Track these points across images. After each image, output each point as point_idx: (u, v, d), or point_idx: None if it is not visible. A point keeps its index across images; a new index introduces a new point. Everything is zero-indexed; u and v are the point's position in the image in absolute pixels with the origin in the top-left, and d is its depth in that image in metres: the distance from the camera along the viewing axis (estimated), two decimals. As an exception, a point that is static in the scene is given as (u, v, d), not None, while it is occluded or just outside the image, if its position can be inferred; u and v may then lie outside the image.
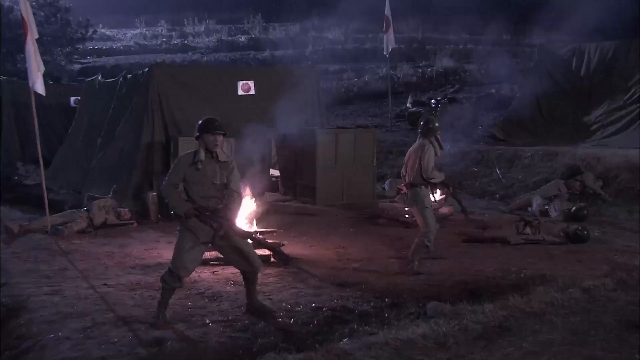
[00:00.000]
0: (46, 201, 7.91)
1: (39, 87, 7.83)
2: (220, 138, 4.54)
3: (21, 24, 7.81)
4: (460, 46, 23.07)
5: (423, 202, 6.09)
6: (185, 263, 4.49)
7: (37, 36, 7.70)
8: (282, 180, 10.60)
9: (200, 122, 4.62)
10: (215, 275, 5.92)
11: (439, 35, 24.72)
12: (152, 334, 4.35)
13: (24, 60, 8.25)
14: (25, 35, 7.55)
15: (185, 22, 28.42)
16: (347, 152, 9.94)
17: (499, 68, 16.21)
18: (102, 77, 12.05)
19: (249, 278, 4.82)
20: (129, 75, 10.55)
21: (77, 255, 6.80)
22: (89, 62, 24.01)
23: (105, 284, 5.65)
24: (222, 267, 6.28)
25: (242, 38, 27.08)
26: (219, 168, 4.52)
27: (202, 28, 28.07)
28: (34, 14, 8.42)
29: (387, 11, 15.20)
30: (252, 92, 10.03)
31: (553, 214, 8.72)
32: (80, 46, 23.69)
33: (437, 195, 9.54)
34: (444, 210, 9.14)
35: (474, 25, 23.79)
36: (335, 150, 9.86)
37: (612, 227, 8.16)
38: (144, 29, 28.73)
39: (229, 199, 4.55)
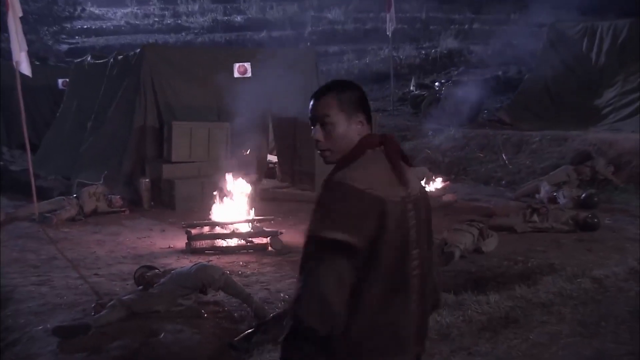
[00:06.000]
0: (34, 188, 7.88)
1: (25, 68, 7.77)
2: None
3: (4, 1, 7.73)
4: (466, 26, 22.89)
5: None
6: None
7: (21, 14, 7.62)
8: (280, 167, 10.58)
9: None
10: (210, 265, 5.92)
11: (443, 14, 24.53)
12: (145, 325, 4.35)
13: (8, 40, 8.16)
14: (7, 12, 7.48)
15: (179, 1, 28.16)
16: (347, 137, 9.88)
17: (506, 49, 16.10)
18: (91, 58, 11.96)
19: None
20: (120, 57, 10.48)
21: (66, 244, 6.80)
22: (78, 42, 23.82)
23: (96, 274, 5.66)
24: (217, 256, 6.29)
25: (238, 18, 26.85)
26: None
27: (196, 7, 27.80)
28: (18, -10, 8.32)
29: (390, -11, 15.08)
30: (249, 74, 9.98)
31: (562, 201, 8.71)
32: (68, 25, 23.47)
33: (439, 183, 9.58)
34: (448, 197, 9.14)
35: (479, 3, 23.62)
36: (335, 134, 9.80)
37: (623, 215, 8.14)
38: (135, 8, 28.47)
39: None
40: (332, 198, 1.86)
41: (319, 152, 2.03)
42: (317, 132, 2.01)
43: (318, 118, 2.01)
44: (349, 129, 1.98)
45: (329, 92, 2.02)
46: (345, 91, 2.03)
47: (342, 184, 1.86)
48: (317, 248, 1.83)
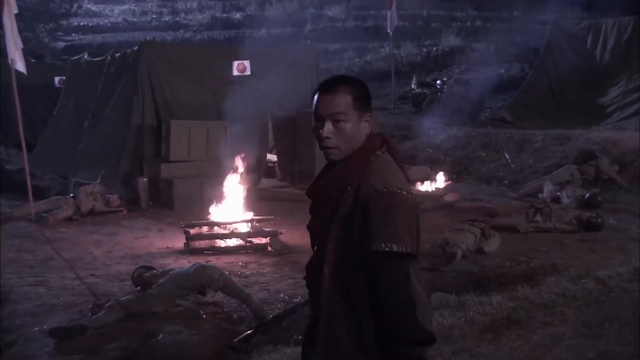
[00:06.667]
0: (30, 187, 7.88)
1: (20, 66, 7.78)
2: None
3: (-1, -2, 7.74)
4: (468, 23, 22.87)
5: None
6: None
7: (16, 11, 7.62)
8: (280, 166, 10.58)
9: None
10: (208, 265, 5.92)
11: (445, 11, 24.51)
12: (143, 326, 4.36)
13: (3, 37, 8.18)
14: (2, 9, 7.48)
15: (177, -2, 28.16)
16: (347, 136, 9.87)
17: (509, 46, 16.10)
18: (88, 55, 11.97)
19: None
20: (117, 54, 10.48)
21: (63, 244, 6.80)
22: (74, 40, 23.80)
23: (92, 274, 5.66)
24: (216, 256, 6.30)
25: (238, 15, 26.82)
26: None
27: (195, 4, 27.78)
28: (13, -13, 8.31)
29: (391, -14, 15.08)
30: (248, 72, 9.98)
31: (565, 200, 8.71)
32: (65, 22, 23.47)
33: (441, 182, 9.58)
34: (450, 197, 9.14)
35: (481, 0, 23.60)
36: (335, 133, 9.80)
37: (628, 215, 8.14)
38: (133, 5, 28.44)
39: None
40: (392, 209, 1.85)
41: (324, 148, 1.98)
42: (327, 129, 1.95)
43: (330, 115, 1.95)
44: (359, 127, 1.97)
45: (342, 88, 1.96)
46: (357, 88, 1.99)
47: (394, 193, 1.87)
48: (399, 261, 1.85)
